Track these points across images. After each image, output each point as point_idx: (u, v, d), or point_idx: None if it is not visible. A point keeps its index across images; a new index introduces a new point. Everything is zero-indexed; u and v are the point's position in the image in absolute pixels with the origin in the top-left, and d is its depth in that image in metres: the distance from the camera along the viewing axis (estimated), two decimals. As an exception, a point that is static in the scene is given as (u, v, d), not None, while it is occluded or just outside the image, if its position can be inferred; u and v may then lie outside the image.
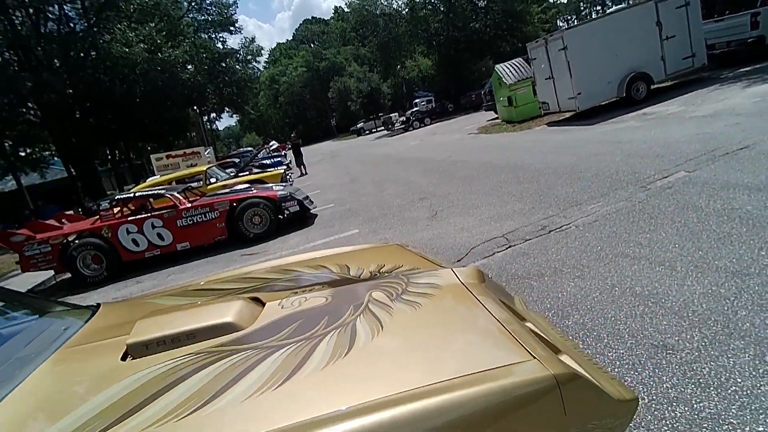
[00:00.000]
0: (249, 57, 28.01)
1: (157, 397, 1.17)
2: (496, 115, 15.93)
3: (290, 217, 7.09)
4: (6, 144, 21.51)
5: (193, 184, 9.28)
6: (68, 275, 6.83)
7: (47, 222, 7.21)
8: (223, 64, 25.64)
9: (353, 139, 40.66)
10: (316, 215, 7.87)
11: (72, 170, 24.20)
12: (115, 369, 1.36)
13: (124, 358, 1.41)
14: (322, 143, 50.49)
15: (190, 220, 6.72)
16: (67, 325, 1.88)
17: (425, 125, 28.30)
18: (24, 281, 7.25)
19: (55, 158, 25.86)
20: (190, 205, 6.81)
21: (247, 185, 8.16)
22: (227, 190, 7.75)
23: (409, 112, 32.33)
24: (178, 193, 7.49)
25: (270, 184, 7.83)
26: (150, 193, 7.12)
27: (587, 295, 2.81)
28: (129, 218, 6.68)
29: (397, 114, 39.46)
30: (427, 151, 13.91)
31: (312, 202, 7.92)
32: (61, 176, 26.43)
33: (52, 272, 6.87)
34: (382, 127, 39.19)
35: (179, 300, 1.96)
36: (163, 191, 6.99)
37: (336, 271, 1.96)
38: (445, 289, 1.59)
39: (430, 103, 33.49)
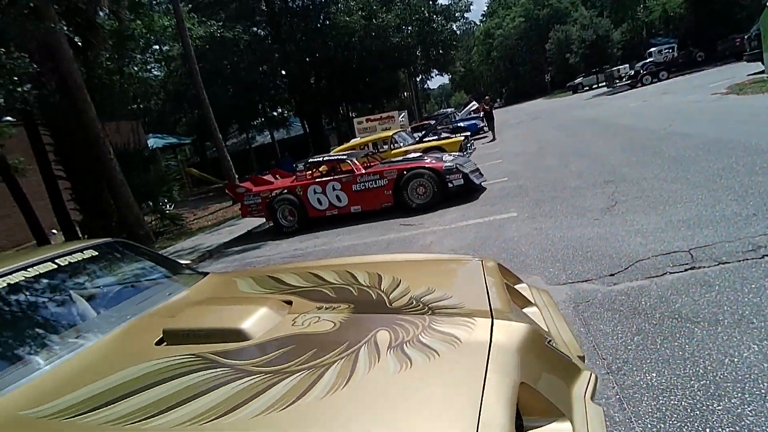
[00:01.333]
0: (457, 14, 27.55)
1: (136, 393, 1.32)
2: (762, 68, 11.85)
3: (455, 190, 6.92)
4: (263, 105, 27.09)
5: (384, 147, 9.97)
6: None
7: (265, 177, 8.86)
8: (433, 24, 25.96)
9: (566, 98, 36.65)
10: (484, 189, 7.49)
11: (306, 128, 29.04)
12: (142, 352, 1.57)
13: (159, 343, 1.62)
14: (531, 102, 47.17)
15: (362, 186, 7.27)
16: (172, 290, 2.26)
17: (659, 80, 23.30)
18: (249, 224, 9.17)
19: (295, 117, 31.36)
20: (364, 171, 7.34)
21: (419, 154, 8.28)
22: (400, 158, 8.02)
23: (640, 64, 27.00)
24: (359, 159, 8.16)
25: (442, 154, 7.74)
26: (335, 158, 7.93)
27: (777, 372, 1.91)
28: (317, 179, 7.63)
29: (627, 66, 33.52)
30: (643, 117, 11.48)
31: (482, 175, 7.54)
32: (300, 133, 31.97)
33: (264, 219, 8.47)
34: (604, 83, 33.96)
35: (255, 287, 2.09)
36: (345, 157, 7.69)
37: (378, 293, 1.80)
38: (461, 349, 1.29)
39: (671, 52, 27.20)
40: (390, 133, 10.85)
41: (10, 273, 1.92)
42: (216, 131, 14.85)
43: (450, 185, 6.90)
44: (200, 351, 1.48)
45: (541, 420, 1.20)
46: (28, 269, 1.99)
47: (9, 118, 12.69)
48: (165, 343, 1.60)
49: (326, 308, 1.68)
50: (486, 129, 16.91)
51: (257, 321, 1.59)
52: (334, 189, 7.43)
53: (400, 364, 1.24)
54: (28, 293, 1.92)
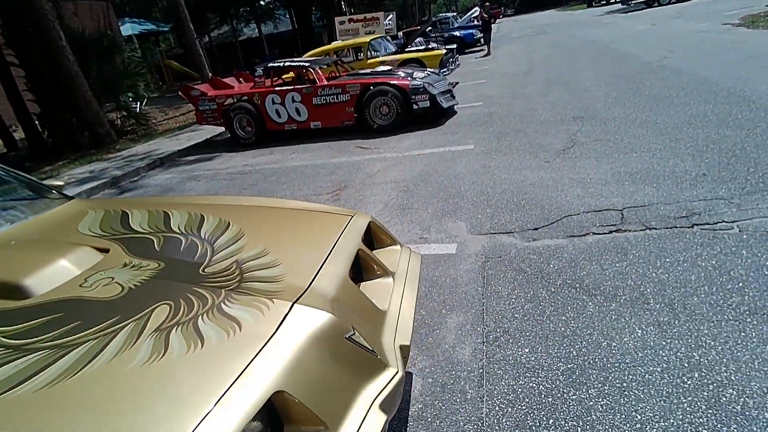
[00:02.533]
0: None
1: None
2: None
3: (420, 113, 6.46)
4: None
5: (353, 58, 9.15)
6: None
7: (226, 80, 8.19)
8: None
9: (579, 12, 33.91)
10: (455, 113, 7.03)
11: (295, 23, 26.77)
12: None
13: None
14: (542, 13, 43.66)
15: (323, 100, 6.74)
16: (13, 217, 2.00)
17: (679, 1, 21.30)
18: (212, 131, 8.65)
19: (283, 9, 28.80)
20: (325, 83, 6.76)
21: (388, 67, 7.60)
22: (368, 71, 7.38)
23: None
24: (325, 67, 7.50)
25: (414, 70, 7.09)
26: (297, 64, 7.26)
27: (655, 375, 1.80)
28: (276, 88, 7.05)
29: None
30: (644, 44, 10.59)
31: (453, 98, 7.01)
32: (289, 29, 29.60)
33: (222, 128, 7.98)
34: (621, -1, 31.17)
35: (95, 226, 1.84)
36: (307, 64, 7.03)
37: (205, 250, 1.57)
38: (235, 339, 1.11)
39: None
40: (368, 38, 9.91)
41: None
42: (185, 18, 13.50)
43: (415, 107, 6.42)
44: None
45: (301, 428, 1.06)
46: None
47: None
48: None
49: (133, 265, 1.46)
50: (482, 41, 15.66)
51: (46, 276, 1.39)
52: (293, 101, 6.90)
53: (152, 352, 1.06)
54: None
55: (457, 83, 9.62)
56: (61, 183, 2.60)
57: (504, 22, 32.23)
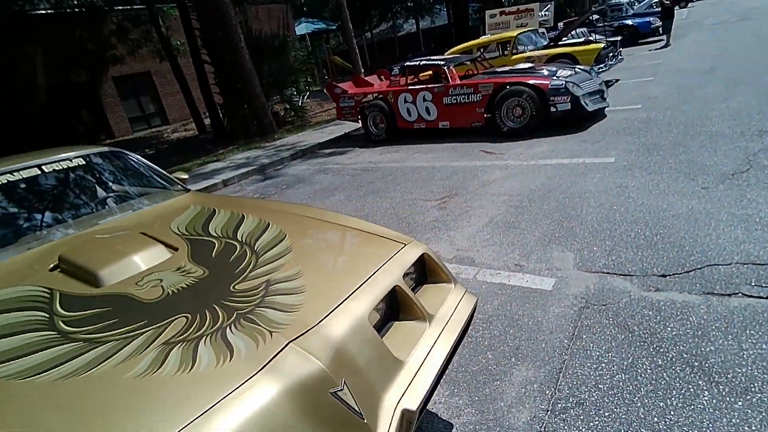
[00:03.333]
0: None
1: None
2: None
3: (558, 116, 5.81)
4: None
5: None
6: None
7: (367, 78, 8.56)
8: None
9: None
10: (604, 117, 6.15)
11: (451, 16, 26.65)
12: (30, 275, 1.69)
13: (54, 268, 1.72)
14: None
15: (454, 99, 6.54)
16: (132, 208, 2.36)
17: None
18: (350, 126, 9.15)
19: (441, 3, 28.89)
20: (458, 82, 6.53)
21: (529, 65, 6.95)
22: (506, 69, 6.88)
23: None
24: (460, 66, 7.29)
25: (558, 68, 6.38)
26: (430, 63, 7.15)
27: None
28: (409, 87, 7.08)
29: None
30: None
31: (603, 100, 6.13)
32: (446, 22, 29.66)
33: (359, 124, 8.36)
34: None
35: (183, 225, 2.05)
36: (442, 62, 6.89)
37: (247, 263, 1.61)
38: (222, 369, 1.14)
39: None
40: (515, 32, 9.25)
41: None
42: (346, 18, 14.53)
43: (553, 109, 5.78)
44: (57, 287, 1.55)
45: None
46: (14, 173, 2.23)
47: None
48: (58, 270, 1.70)
49: (184, 270, 1.59)
50: (661, 31, 13.39)
51: (117, 269, 1.59)
52: (424, 100, 6.85)
53: (150, 366, 1.14)
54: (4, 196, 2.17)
55: (616, 81, 8.43)
56: (185, 176, 3.00)
57: (698, 6, 26.98)
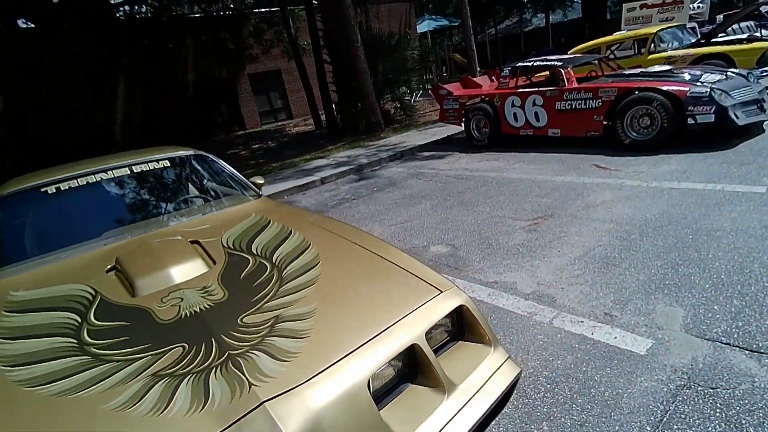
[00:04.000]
0: None
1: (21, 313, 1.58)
2: None
3: (697, 129, 4.85)
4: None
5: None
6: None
7: (476, 79, 8.16)
8: None
9: None
10: (761, 132, 4.99)
11: (584, 9, 24.37)
12: (86, 275, 1.81)
13: (110, 269, 1.84)
14: None
15: (568, 105, 5.87)
16: (201, 212, 2.46)
17: None
18: (453, 128, 8.82)
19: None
20: (575, 86, 5.84)
21: (667, 67, 5.88)
22: (636, 71, 5.94)
23: None
24: (580, 67, 6.55)
25: (703, 72, 5.30)
26: (545, 64, 6.49)
27: None
28: (518, 89, 6.55)
29: None
30: None
31: (762, 111, 4.97)
32: (578, 17, 27.31)
33: (461, 127, 8.00)
34: None
35: (234, 239, 2.06)
36: (559, 63, 6.22)
37: (267, 291, 1.54)
38: (195, 418, 1.07)
39: None
40: (655, 28, 7.97)
41: (93, 173, 2.43)
42: (465, 15, 14.12)
43: (690, 121, 4.84)
44: (103, 291, 1.63)
45: None
46: (107, 172, 2.47)
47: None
48: (113, 272, 1.81)
49: (206, 291, 1.56)
50: None
51: (151, 281, 1.63)
52: (534, 104, 6.27)
53: (128, 401, 1.13)
54: (92, 193, 2.41)
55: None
56: (261, 181, 3.07)
57: None
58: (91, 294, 1.63)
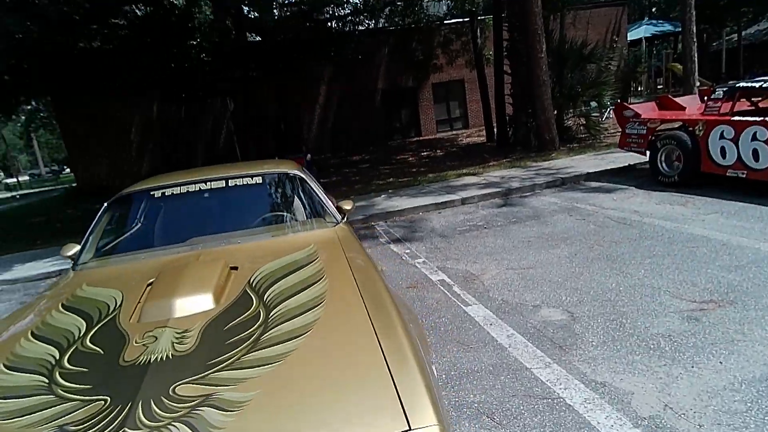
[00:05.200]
0: None
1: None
2: None
3: None
4: None
5: None
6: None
7: (680, 99, 6.56)
8: None
9: None
10: None
11: None
12: (136, 284, 1.92)
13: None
14: None
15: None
16: (273, 233, 2.44)
17: None
18: (639, 157, 7.25)
19: None
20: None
21: None
22: None
23: None
24: None
25: None
26: (785, 86, 4.73)
27: None
28: (733, 118, 4.97)
29: None
30: None
31: None
32: None
33: (645, 156, 6.51)
34: None
35: (277, 271, 1.96)
36: (807, 86, 4.47)
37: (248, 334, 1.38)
38: None
39: None
40: None
41: (196, 182, 2.65)
42: (688, 19, 11.63)
43: None
44: (125, 307, 1.71)
45: None
46: (207, 183, 2.66)
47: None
48: (149, 287, 1.89)
49: (183, 337, 1.47)
50: None
51: (158, 309, 1.62)
52: (754, 138, 4.66)
53: None
54: (188, 201, 2.61)
55: None
56: (348, 207, 2.91)
57: None
58: (114, 305, 1.72)
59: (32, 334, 1.62)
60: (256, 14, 12.60)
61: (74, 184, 17.61)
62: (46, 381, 1.32)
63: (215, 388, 1.21)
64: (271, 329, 1.47)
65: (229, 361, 1.32)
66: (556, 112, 11.60)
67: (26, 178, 33.28)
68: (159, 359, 1.35)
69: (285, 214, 2.70)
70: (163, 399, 1.17)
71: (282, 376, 1.25)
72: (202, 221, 2.65)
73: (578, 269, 3.59)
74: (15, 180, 27.65)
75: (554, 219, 5.08)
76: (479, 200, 6.42)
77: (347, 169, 12.89)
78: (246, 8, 12.05)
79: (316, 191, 2.82)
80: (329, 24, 13.85)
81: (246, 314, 1.58)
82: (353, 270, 1.91)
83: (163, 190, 2.61)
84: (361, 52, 14.12)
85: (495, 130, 13.91)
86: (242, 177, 2.71)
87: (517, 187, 6.65)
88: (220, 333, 1.48)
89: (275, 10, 12.88)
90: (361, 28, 14.77)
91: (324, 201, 2.78)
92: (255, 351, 1.36)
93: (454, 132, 18.90)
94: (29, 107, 14.43)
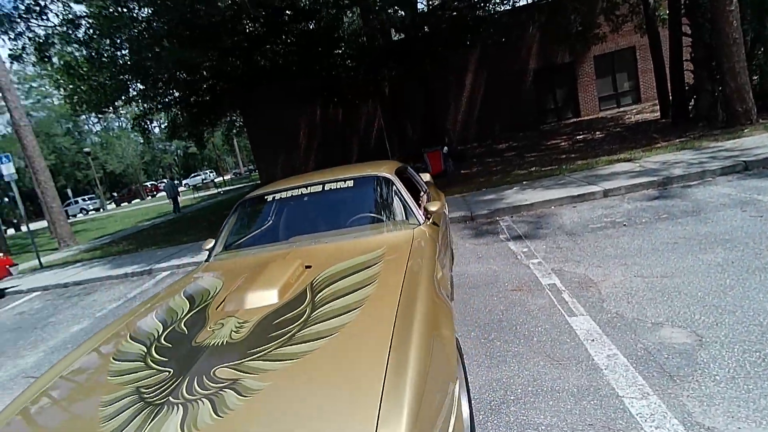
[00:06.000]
0: None
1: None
2: None
3: None
4: None
5: None
6: None
7: None
8: None
9: None
10: None
11: None
12: (236, 276, 2.34)
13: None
14: None
15: None
16: (355, 236, 2.64)
17: None
18: None
19: None
20: None
21: None
22: None
23: None
24: None
25: None
26: None
27: None
28: None
29: None
30: None
31: None
32: None
33: None
34: None
35: (350, 271, 2.16)
36: None
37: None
38: None
39: None
40: None
41: (295, 188, 3.01)
42: None
43: None
44: (221, 296, 2.10)
45: None
46: (307, 187, 2.99)
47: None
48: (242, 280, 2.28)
49: (239, 328, 1.73)
50: None
51: (237, 299, 1.93)
52: None
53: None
54: (293, 204, 3.00)
55: None
56: (434, 208, 2.89)
57: None
58: (211, 295, 2.12)
59: (156, 312, 2.12)
60: (402, 13, 13.05)
61: (258, 182, 21.11)
62: (145, 351, 1.74)
63: (242, 375, 1.43)
64: (307, 327, 1.64)
65: (264, 352, 1.54)
66: (757, 77, 9.25)
67: (230, 176, 41.10)
68: (217, 344, 1.64)
69: (371, 215, 2.86)
70: (204, 378, 1.44)
71: (293, 373, 1.41)
72: (302, 222, 3.00)
73: (730, 281, 2.91)
74: (221, 179, 34.60)
75: (718, 215, 4.14)
76: (626, 192, 5.59)
77: (490, 159, 12.51)
78: (390, 10, 12.59)
79: (402, 194, 2.91)
80: (477, 7, 13.42)
81: (295, 311, 1.78)
82: (407, 275, 1.96)
83: (274, 195, 3.04)
84: (506, 33, 13.40)
85: (671, 103, 11.75)
86: (336, 181, 2.97)
87: (679, 174, 5.57)
88: (269, 326, 1.71)
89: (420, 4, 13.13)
90: (506, 7, 14.03)
91: (408, 203, 2.85)
92: (286, 346, 1.54)
93: (622, 109, 16.54)
94: (226, 119, 17.75)
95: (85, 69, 7.89)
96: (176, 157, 55.85)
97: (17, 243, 19.28)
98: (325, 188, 2.95)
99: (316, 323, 1.67)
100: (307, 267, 2.21)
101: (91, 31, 7.51)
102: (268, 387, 1.36)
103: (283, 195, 3.02)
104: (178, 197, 18.73)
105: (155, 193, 40.11)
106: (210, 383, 1.42)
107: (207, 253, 3.03)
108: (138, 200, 39.03)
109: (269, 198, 3.07)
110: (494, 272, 3.99)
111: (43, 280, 7.99)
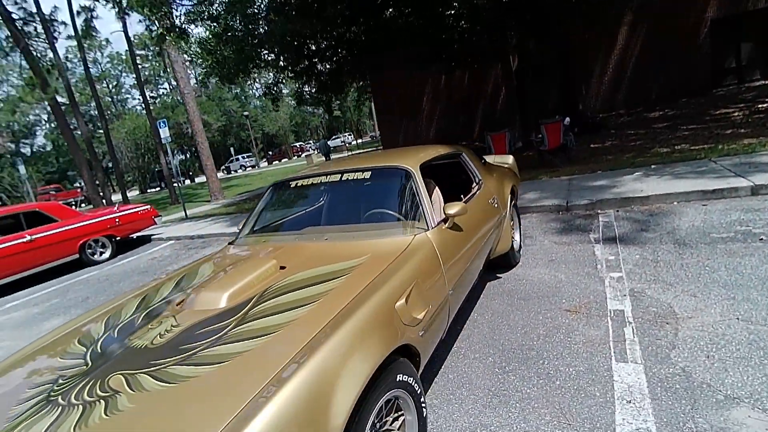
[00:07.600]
0: None
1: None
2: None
3: None
4: None
5: None
6: None
7: None
8: None
9: None
10: None
11: None
12: (221, 262, 2.39)
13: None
14: None
15: None
16: (367, 236, 2.45)
17: None
18: None
19: None
20: None
21: None
22: None
23: None
24: None
25: None
26: None
27: None
28: None
29: None
30: None
31: None
32: None
33: None
34: None
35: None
36: None
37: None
38: None
39: None
40: None
41: (315, 176, 2.87)
42: None
43: None
44: (194, 281, 2.17)
45: None
46: (326, 176, 2.82)
47: None
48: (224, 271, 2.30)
49: (168, 331, 1.75)
50: None
51: (191, 298, 1.95)
52: None
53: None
54: (313, 193, 2.91)
55: None
56: (452, 211, 2.48)
57: None
58: (190, 286, 2.16)
59: (139, 295, 2.26)
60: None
61: (380, 147, 21.83)
62: (94, 341, 1.84)
63: (124, 389, 1.40)
64: (213, 347, 1.54)
65: (158, 367, 1.48)
66: None
67: (368, 138, 42.95)
68: (138, 346, 1.67)
69: (378, 213, 2.59)
70: (98, 383, 1.47)
71: (164, 398, 1.33)
72: (318, 213, 2.88)
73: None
74: (356, 142, 36.38)
75: None
76: (681, 199, 4.16)
77: (633, 131, 10.58)
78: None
79: (417, 191, 2.54)
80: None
81: (220, 323, 1.69)
82: (360, 295, 1.72)
83: (297, 182, 2.96)
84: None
85: None
86: (354, 171, 2.74)
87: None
88: (191, 336, 1.65)
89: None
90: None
91: (423, 203, 2.49)
92: (181, 365, 1.47)
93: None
94: (358, 84, 18.37)
95: (212, 44, 8.79)
96: (322, 120, 60.35)
97: (187, 193, 23.28)
98: (343, 179, 2.76)
99: (225, 344, 1.55)
100: (282, 268, 2.11)
101: (220, 8, 8.28)
102: (132, 410, 1.30)
103: (305, 182, 2.92)
104: (329, 155, 22.06)
105: (300, 153, 44.08)
106: (98, 390, 1.43)
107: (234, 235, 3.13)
108: (286, 159, 43.46)
109: (293, 185, 3.00)
110: (557, 283, 3.36)
111: (181, 230, 9.45)
